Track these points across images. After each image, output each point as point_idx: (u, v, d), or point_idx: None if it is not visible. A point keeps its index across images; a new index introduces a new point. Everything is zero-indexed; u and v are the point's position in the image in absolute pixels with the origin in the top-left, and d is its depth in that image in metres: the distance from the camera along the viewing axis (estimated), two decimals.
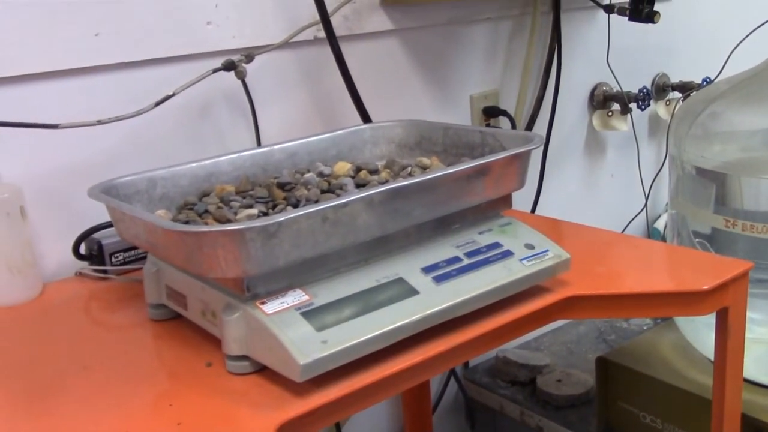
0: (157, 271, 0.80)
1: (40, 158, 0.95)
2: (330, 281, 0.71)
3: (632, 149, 1.64)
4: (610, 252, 0.96)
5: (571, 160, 1.56)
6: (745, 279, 0.85)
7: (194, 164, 0.88)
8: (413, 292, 0.72)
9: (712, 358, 0.88)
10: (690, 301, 0.83)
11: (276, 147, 0.94)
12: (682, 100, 1.61)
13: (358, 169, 0.86)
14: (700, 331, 1.13)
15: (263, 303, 0.67)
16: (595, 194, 1.62)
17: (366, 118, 1.14)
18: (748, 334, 0.87)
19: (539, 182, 1.44)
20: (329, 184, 0.81)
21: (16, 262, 0.88)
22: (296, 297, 0.69)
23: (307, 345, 0.64)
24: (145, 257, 0.91)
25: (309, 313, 0.67)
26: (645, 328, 1.46)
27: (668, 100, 1.66)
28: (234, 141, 1.09)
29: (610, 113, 1.55)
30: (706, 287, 0.81)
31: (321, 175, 0.86)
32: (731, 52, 1.35)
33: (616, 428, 1.17)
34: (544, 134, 1.43)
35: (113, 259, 0.95)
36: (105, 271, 0.94)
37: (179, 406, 0.66)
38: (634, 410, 1.14)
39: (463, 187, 0.78)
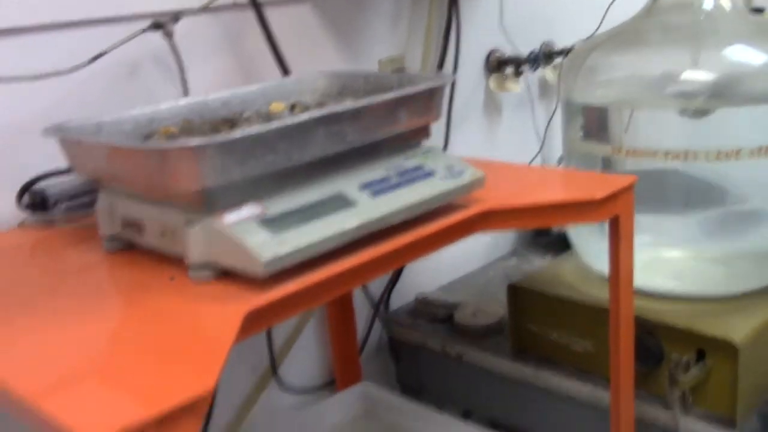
0: (111, 204, 0.86)
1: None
2: (280, 197, 0.79)
3: (526, 108, 1.79)
4: (516, 176, 1.09)
5: (472, 120, 1.69)
6: (630, 191, 0.99)
7: (135, 111, 0.95)
8: (353, 204, 0.81)
9: (607, 276, 1.02)
10: (587, 210, 0.96)
11: (210, 97, 1.01)
12: None
13: (292, 107, 0.95)
14: (595, 254, 1.27)
15: (222, 215, 0.75)
16: (496, 149, 1.76)
17: (285, 70, 1.23)
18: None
19: (445, 141, 1.57)
20: (269, 119, 0.90)
21: None
22: (251, 210, 0.77)
23: (265, 246, 0.73)
24: (88, 205, 0.97)
25: (264, 222, 0.75)
26: None
27: (554, 65, 1.82)
28: (164, 99, 1.15)
29: (504, 76, 1.70)
30: (599, 197, 0.95)
31: (259, 114, 0.94)
32: (606, 12, 1.52)
33: (528, 348, 1.31)
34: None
35: (57, 208, 1.00)
36: (51, 220, 0.99)
37: (148, 308, 0.73)
38: (542, 330, 1.28)
39: (389, 115, 0.88)
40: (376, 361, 1.55)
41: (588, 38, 1.41)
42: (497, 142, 1.77)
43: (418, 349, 1.46)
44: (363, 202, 0.82)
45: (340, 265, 0.77)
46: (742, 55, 1.19)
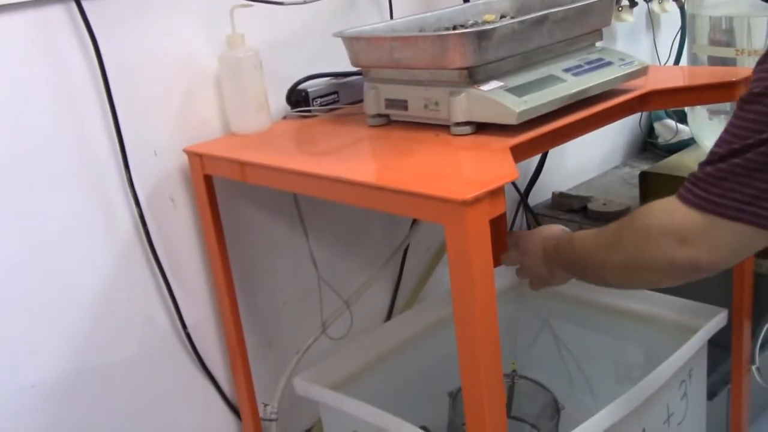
0: (375, 88, 1.18)
1: (268, 29, 1.31)
2: (512, 76, 1.10)
3: (636, 37, 2.07)
4: (666, 72, 1.38)
5: None
6: None
7: (380, 26, 1.27)
8: (563, 80, 1.12)
9: None
10: (724, 89, 1.23)
11: (427, 14, 1.32)
12: None
13: (501, 17, 1.25)
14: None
15: (478, 86, 1.06)
16: None
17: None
18: None
19: None
20: (486, 25, 1.20)
21: (260, 101, 1.25)
22: (494, 84, 1.08)
23: (515, 103, 1.04)
24: (335, 101, 1.29)
25: (509, 90, 1.06)
26: None
27: None
28: (372, 21, 1.46)
29: (620, 8, 1.97)
30: (735, 79, 1.23)
31: (477, 23, 1.25)
32: None
33: None
34: None
35: (315, 102, 1.32)
36: (310, 111, 1.31)
37: (420, 154, 1.05)
38: None
39: (580, 17, 1.17)
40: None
41: None
42: None
43: None
44: (569, 79, 1.13)
45: (561, 121, 1.08)
46: None
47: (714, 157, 0.82)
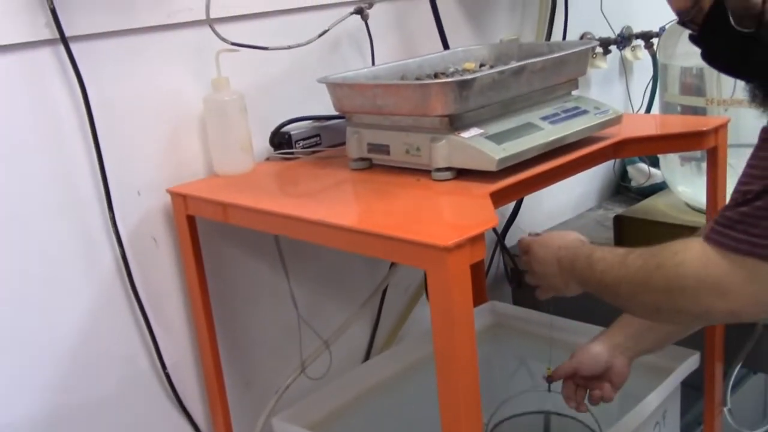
0: (358, 133, 1.20)
1: (252, 73, 1.34)
2: (491, 123, 1.13)
3: (609, 83, 2.13)
4: (638, 120, 1.42)
5: None
6: (725, 128, 1.32)
7: (364, 71, 1.30)
8: (540, 128, 1.15)
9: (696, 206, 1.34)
10: (696, 138, 1.28)
11: (410, 60, 1.35)
12: (644, 47, 2.11)
13: (481, 65, 1.29)
14: (685, 188, 1.60)
15: (458, 133, 1.09)
16: None
17: (446, 46, 1.57)
18: None
19: None
20: (466, 74, 1.24)
21: (244, 144, 1.27)
22: (474, 131, 1.11)
23: (495, 151, 1.07)
24: (317, 144, 1.32)
25: (488, 138, 1.10)
26: None
27: (633, 46, 2.15)
28: (355, 66, 1.49)
29: (594, 55, 2.03)
30: (705, 128, 1.27)
31: (457, 71, 1.28)
32: None
33: None
34: None
35: (298, 145, 1.34)
36: (292, 153, 1.34)
37: (402, 198, 1.07)
38: None
39: (557, 67, 1.22)
40: (495, 289, 1.89)
41: (661, 31, 1.75)
42: None
43: None
44: (546, 127, 1.16)
45: (538, 168, 1.11)
46: None
47: (748, 197, 0.78)
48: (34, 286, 1.14)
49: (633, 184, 2.15)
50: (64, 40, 1.11)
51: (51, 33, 1.10)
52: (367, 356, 1.65)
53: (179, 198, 1.22)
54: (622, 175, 2.21)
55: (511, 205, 1.84)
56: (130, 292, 1.24)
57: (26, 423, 1.15)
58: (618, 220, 1.63)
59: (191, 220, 1.23)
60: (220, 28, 1.23)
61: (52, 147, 1.14)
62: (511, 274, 1.89)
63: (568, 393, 1.22)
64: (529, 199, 1.86)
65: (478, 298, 1.76)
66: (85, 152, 1.17)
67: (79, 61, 1.13)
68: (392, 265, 1.61)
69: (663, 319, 0.95)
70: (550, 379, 1.26)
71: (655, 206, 1.65)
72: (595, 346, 1.21)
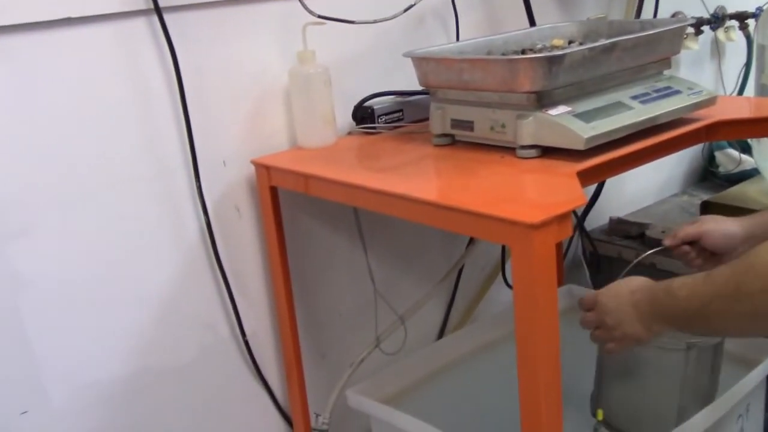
0: (442, 108, 1.19)
1: (337, 46, 1.34)
2: (579, 101, 1.11)
3: (700, 64, 2.05)
4: (732, 102, 1.37)
5: None
6: None
7: (450, 46, 1.28)
8: (630, 108, 1.12)
9: None
10: None
11: (495, 36, 1.33)
12: (738, 28, 2.02)
13: (569, 42, 1.26)
14: None
15: (545, 111, 1.07)
16: None
17: (532, 23, 1.54)
18: None
19: None
20: (554, 50, 1.21)
21: (327, 117, 1.27)
22: (562, 109, 1.08)
23: (583, 129, 1.04)
24: (400, 119, 1.31)
25: (576, 116, 1.07)
26: None
27: (727, 27, 2.06)
28: (439, 42, 1.48)
29: (685, 35, 1.95)
30: None
31: (545, 47, 1.26)
32: None
33: None
34: None
35: (380, 120, 1.34)
36: (374, 128, 1.34)
37: (485, 175, 1.06)
38: None
39: (649, 44, 1.18)
40: (572, 273, 1.85)
41: (758, 12, 1.67)
42: None
43: (612, 260, 1.76)
44: (636, 107, 1.13)
45: (627, 149, 1.08)
46: None
47: None
48: (123, 250, 1.18)
49: (721, 170, 2.07)
50: (158, 10, 1.13)
51: (146, 3, 1.13)
52: (441, 334, 1.65)
53: (263, 169, 1.23)
54: (710, 161, 2.14)
55: (593, 186, 1.80)
56: (214, 260, 1.26)
57: (111, 384, 1.20)
58: (706, 206, 1.57)
59: (274, 191, 1.24)
60: (307, 1, 1.24)
61: (143, 115, 1.17)
62: (589, 258, 1.85)
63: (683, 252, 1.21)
64: (611, 182, 1.82)
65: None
66: (174, 122, 1.20)
67: (171, 31, 1.15)
68: (469, 243, 1.60)
69: (761, 328, 0.89)
70: (672, 240, 1.24)
71: (745, 193, 1.59)
72: (730, 226, 1.17)
